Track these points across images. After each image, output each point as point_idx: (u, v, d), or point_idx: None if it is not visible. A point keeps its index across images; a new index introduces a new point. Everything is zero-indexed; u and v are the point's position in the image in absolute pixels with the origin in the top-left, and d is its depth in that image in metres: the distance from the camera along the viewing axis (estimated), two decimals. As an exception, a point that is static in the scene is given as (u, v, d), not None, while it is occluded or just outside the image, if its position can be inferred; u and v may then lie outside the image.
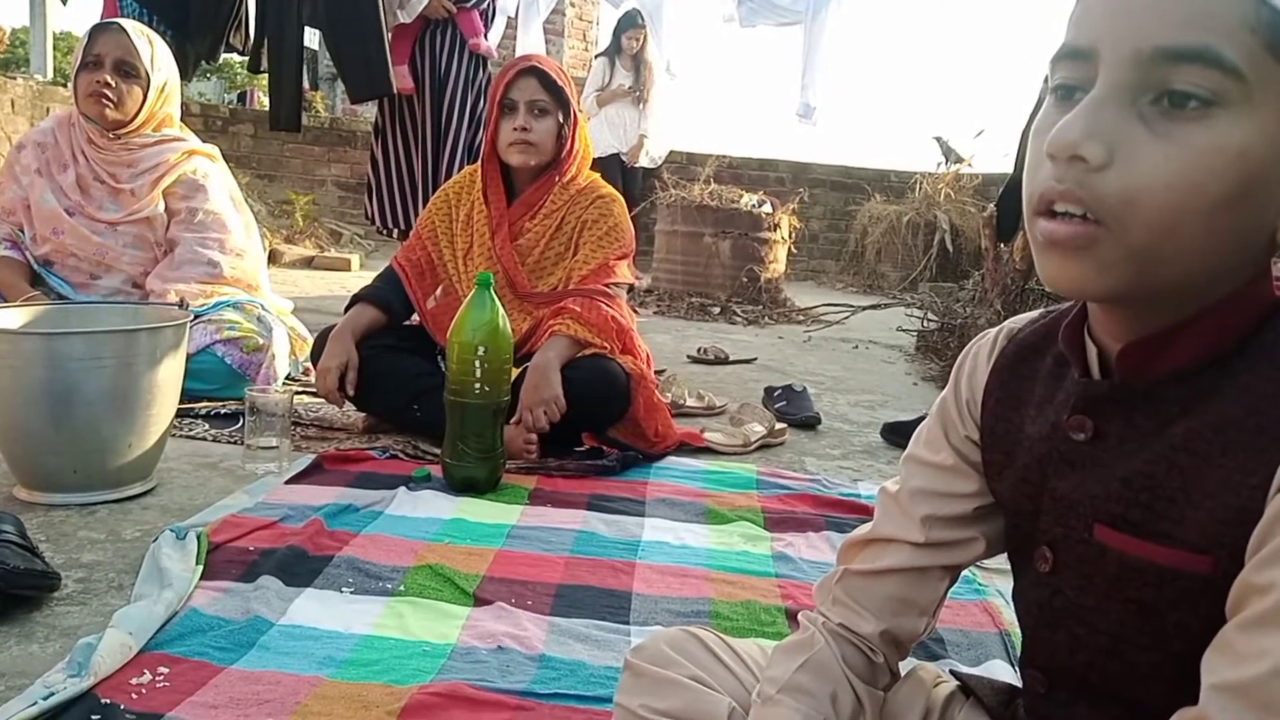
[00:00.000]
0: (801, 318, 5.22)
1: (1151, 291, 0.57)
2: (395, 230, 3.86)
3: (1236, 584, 0.53)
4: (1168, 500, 0.58)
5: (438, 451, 1.93)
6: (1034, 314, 0.74)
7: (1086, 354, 0.65)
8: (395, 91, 3.60)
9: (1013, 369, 0.72)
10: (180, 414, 1.96)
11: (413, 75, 3.65)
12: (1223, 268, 0.56)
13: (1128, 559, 0.60)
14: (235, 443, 2.05)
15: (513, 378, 1.92)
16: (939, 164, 7.61)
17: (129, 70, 2.34)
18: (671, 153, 7.27)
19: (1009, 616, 1.42)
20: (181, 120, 2.57)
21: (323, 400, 2.22)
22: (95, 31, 2.35)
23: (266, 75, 3.88)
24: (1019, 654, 0.78)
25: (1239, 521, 0.54)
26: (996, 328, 0.77)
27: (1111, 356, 0.62)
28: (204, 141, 2.59)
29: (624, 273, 2.24)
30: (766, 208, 5.64)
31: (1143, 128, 0.54)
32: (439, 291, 2.31)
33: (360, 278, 4.72)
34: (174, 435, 1.94)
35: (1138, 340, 0.60)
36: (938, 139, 7.60)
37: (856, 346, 4.34)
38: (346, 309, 2.26)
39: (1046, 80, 0.61)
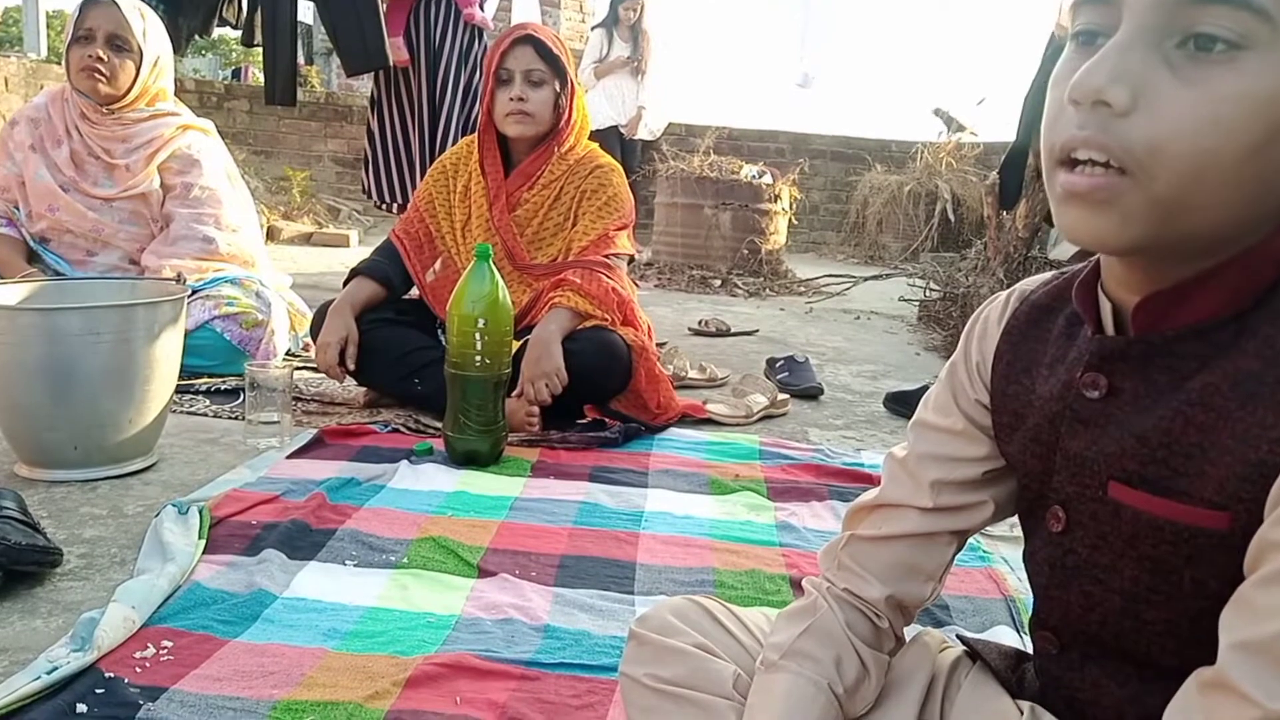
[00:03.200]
0: (803, 289, 5.21)
1: (1173, 243, 0.56)
2: (394, 204, 3.84)
3: (1255, 540, 0.52)
4: (1185, 456, 0.57)
5: (439, 425, 1.93)
6: (1046, 275, 0.73)
7: (1100, 311, 0.64)
8: (391, 64, 3.57)
9: (1024, 330, 0.71)
10: (180, 390, 1.95)
11: (407, 47, 3.61)
12: (1246, 219, 0.55)
13: (1143, 516, 0.59)
14: (236, 418, 2.05)
15: (513, 350, 1.91)
16: (940, 133, 7.56)
17: (121, 44, 2.31)
18: (670, 124, 7.22)
19: (1014, 583, 1.42)
20: (176, 96, 2.55)
21: (323, 375, 2.21)
22: (87, 5, 2.32)
23: (260, 50, 3.84)
24: (1027, 618, 0.78)
25: (1258, 477, 0.53)
26: (1008, 290, 0.75)
27: (1127, 312, 0.61)
28: (199, 117, 2.56)
29: (624, 243, 2.22)
30: (767, 179, 5.60)
31: (1168, 72, 0.53)
32: (438, 264, 2.30)
33: (359, 253, 4.70)
34: (174, 411, 1.93)
35: (1156, 293, 0.59)
36: (937, 111, 7.53)
37: (858, 317, 4.33)
38: (345, 283, 2.24)
39: (1053, 38, 0.59)
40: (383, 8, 3.50)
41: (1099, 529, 0.63)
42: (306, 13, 4.11)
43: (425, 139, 3.64)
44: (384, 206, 3.91)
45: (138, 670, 1.04)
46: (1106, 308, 0.63)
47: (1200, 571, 0.57)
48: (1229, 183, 0.53)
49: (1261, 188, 0.54)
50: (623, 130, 6.34)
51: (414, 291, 2.32)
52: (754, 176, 5.58)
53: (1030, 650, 0.75)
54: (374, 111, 3.75)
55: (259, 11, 3.76)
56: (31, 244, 2.38)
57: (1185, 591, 0.59)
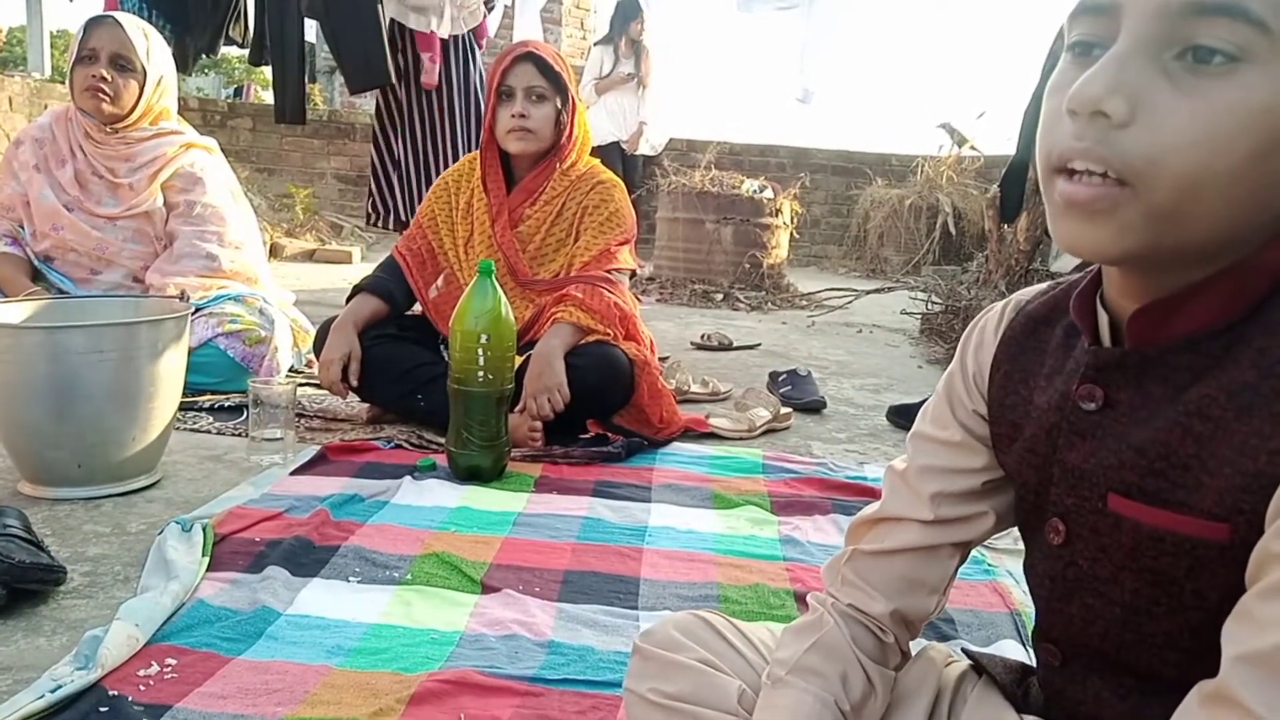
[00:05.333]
0: (805, 303, 5.21)
1: (1169, 252, 0.56)
2: (385, 220, 3.87)
3: (1256, 551, 0.52)
4: (1183, 468, 0.57)
5: (442, 441, 1.93)
6: (1042, 286, 0.73)
7: (1097, 322, 0.64)
8: (393, 81, 3.60)
9: (1021, 341, 0.71)
10: (184, 407, 1.96)
11: (396, 68, 3.63)
12: (1242, 229, 0.55)
13: (1143, 528, 0.59)
14: (239, 435, 2.05)
15: (516, 366, 1.91)
16: (940, 147, 7.57)
17: (125, 64, 2.32)
18: (671, 140, 7.25)
19: (1019, 596, 1.42)
20: (179, 115, 2.56)
21: (326, 391, 2.21)
22: (90, 25, 2.34)
23: (266, 68, 3.88)
24: (1030, 632, 0.77)
25: (1257, 487, 0.53)
26: (1004, 301, 0.75)
27: (1124, 323, 0.61)
28: (202, 135, 2.58)
29: (626, 258, 2.22)
30: (768, 193, 5.62)
31: (1167, 83, 0.53)
32: (440, 280, 2.30)
33: (361, 270, 4.72)
34: (178, 428, 1.94)
35: (1150, 303, 0.59)
36: (944, 125, 7.53)
37: (860, 331, 4.33)
38: (348, 299, 2.25)
39: (1058, 40, 0.60)
40: (385, 24, 3.53)
41: (1099, 541, 0.63)
42: (309, 31, 4.15)
43: (416, 158, 3.69)
44: (381, 224, 3.94)
45: (142, 688, 1.03)
46: (1104, 319, 0.63)
47: (1201, 583, 0.57)
48: (1225, 194, 0.53)
49: (1257, 199, 0.54)
50: (624, 146, 6.35)
51: (416, 308, 2.32)
52: (755, 191, 5.59)
53: (1035, 663, 0.75)
54: (373, 130, 3.80)
55: (266, 31, 3.79)
56: (36, 263, 2.39)
57: (1186, 603, 0.58)
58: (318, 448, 1.95)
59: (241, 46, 4.04)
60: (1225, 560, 0.55)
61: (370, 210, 3.88)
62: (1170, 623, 0.60)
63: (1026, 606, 1.38)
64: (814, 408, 2.62)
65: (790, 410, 2.50)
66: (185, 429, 2.06)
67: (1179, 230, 0.54)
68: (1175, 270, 0.57)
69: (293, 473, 1.81)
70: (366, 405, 2.24)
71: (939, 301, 4.11)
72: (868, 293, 5.08)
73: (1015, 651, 1.22)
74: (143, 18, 2.54)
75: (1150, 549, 0.59)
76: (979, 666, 0.77)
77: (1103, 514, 0.62)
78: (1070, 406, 0.64)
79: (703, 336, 3.69)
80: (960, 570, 0.79)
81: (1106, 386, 0.62)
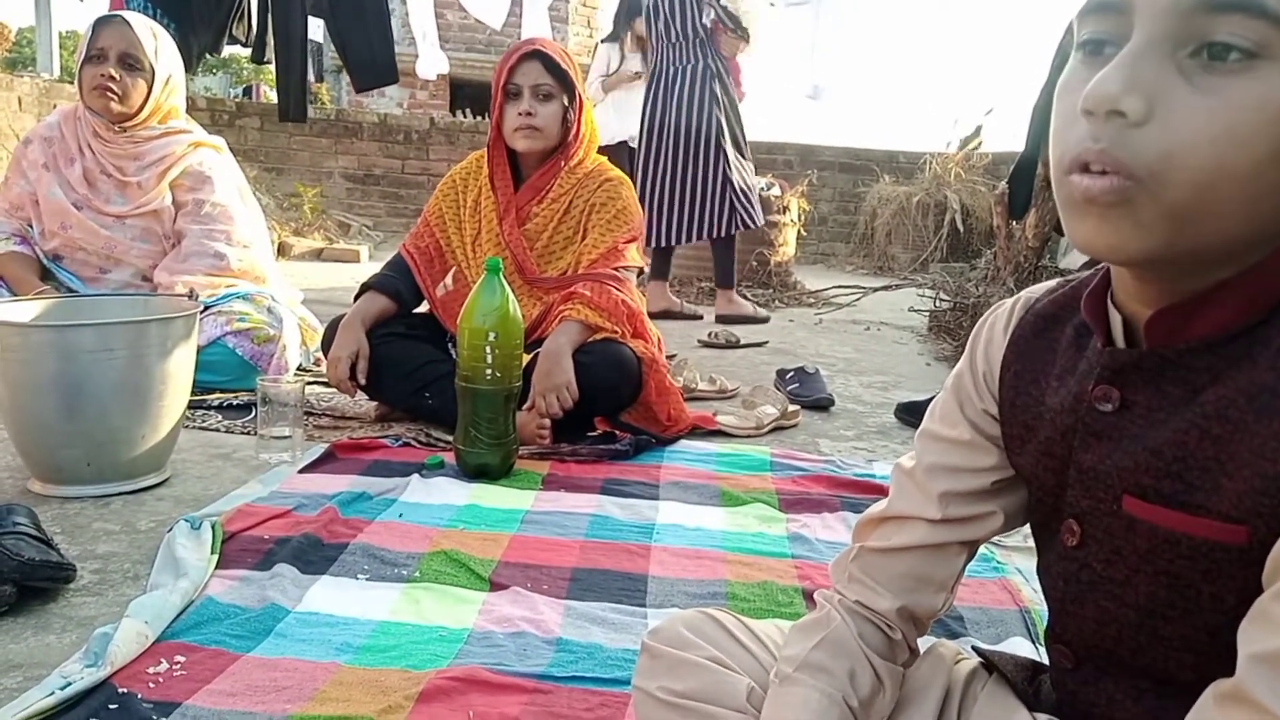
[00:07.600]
0: (812, 300, 5.20)
1: (1188, 254, 0.55)
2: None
3: (1274, 553, 0.51)
4: (1200, 470, 0.56)
5: (450, 439, 1.93)
6: (1051, 283, 0.73)
7: (1110, 322, 0.63)
8: (398, 79, 3.60)
9: (1031, 340, 0.70)
10: (192, 405, 1.96)
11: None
12: (1260, 230, 0.54)
13: (1159, 531, 0.58)
14: (248, 433, 2.05)
15: (524, 363, 1.91)
16: (949, 143, 7.54)
17: (133, 63, 2.33)
18: (679, 137, 7.22)
19: (1029, 594, 1.41)
20: (188, 114, 2.57)
21: (334, 390, 2.22)
22: (99, 25, 2.35)
23: (270, 66, 3.89)
24: (1043, 629, 0.77)
25: (1276, 490, 0.52)
26: (1013, 298, 0.75)
27: (1138, 324, 0.60)
28: (211, 135, 2.58)
29: (633, 256, 2.22)
30: (775, 191, 5.60)
31: (1182, 81, 0.52)
32: (448, 278, 2.30)
33: (369, 268, 4.72)
34: (187, 427, 1.94)
35: (1169, 306, 0.58)
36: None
37: (868, 328, 4.32)
38: (356, 298, 2.25)
39: (1067, 35, 0.59)
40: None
41: (1114, 544, 0.62)
42: (316, 30, 4.16)
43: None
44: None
45: (151, 685, 1.04)
46: (1116, 319, 0.63)
47: (1218, 586, 0.57)
48: (1243, 193, 0.52)
49: (1276, 199, 0.53)
50: (632, 144, 6.34)
51: (424, 306, 2.32)
52: (762, 189, 5.58)
53: (1046, 662, 0.75)
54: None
55: (270, 30, 3.80)
56: (45, 262, 2.40)
57: (1202, 606, 0.58)
58: (326, 446, 1.96)
59: (245, 45, 4.05)
60: (1243, 563, 0.54)
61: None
62: (1186, 626, 0.59)
63: (1036, 604, 1.38)
64: (822, 405, 2.61)
65: (798, 408, 2.49)
66: (194, 427, 2.07)
67: (1196, 230, 0.53)
68: (1192, 273, 0.56)
69: (301, 470, 1.81)
70: (374, 403, 2.24)
71: (947, 298, 4.10)
72: (875, 290, 5.07)
73: (1025, 649, 1.21)
74: (147, 15, 2.55)
75: (1166, 552, 0.58)
76: (989, 664, 0.77)
77: (1118, 516, 0.61)
78: (1085, 408, 0.63)
79: (710, 334, 3.69)
80: (969, 567, 0.78)
81: (1123, 388, 0.61)
